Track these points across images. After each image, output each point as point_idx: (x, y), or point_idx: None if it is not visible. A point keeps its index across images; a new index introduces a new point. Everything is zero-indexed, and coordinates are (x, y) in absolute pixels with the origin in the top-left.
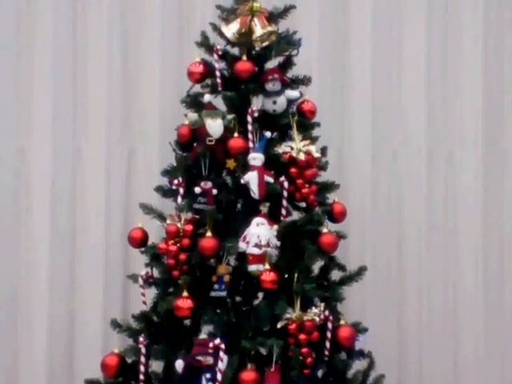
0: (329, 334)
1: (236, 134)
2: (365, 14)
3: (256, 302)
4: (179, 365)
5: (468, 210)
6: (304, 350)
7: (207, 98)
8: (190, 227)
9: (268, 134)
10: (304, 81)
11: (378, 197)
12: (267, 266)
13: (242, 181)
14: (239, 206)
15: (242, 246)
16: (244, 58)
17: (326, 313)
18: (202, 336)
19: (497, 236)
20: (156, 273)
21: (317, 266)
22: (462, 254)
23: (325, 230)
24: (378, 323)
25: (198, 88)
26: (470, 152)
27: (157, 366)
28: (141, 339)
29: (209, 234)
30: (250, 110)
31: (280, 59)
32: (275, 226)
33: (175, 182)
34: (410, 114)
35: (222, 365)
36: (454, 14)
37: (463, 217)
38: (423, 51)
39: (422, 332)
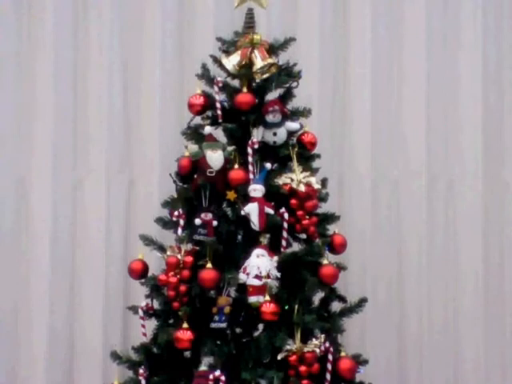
0: (329, 366)
1: (236, 166)
2: (365, 45)
3: (256, 333)
4: None
5: (468, 239)
6: (304, 381)
7: (208, 129)
8: (190, 258)
9: (268, 165)
10: (304, 112)
11: (379, 228)
12: (267, 298)
13: (243, 212)
14: (239, 237)
15: (242, 277)
16: (244, 89)
17: (327, 344)
18: (203, 368)
19: (497, 271)
20: (156, 304)
21: (317, 298)
22: (463, 285)
23: (325, 262)
24: (379, 355)
25: (198, 120)
26: (470, 180)
27: None
28: (141, 371)
29: (209, 265)
30: (250, 142)
31: (280, 91)
32: (275, 258)
33: (175, 213)
34: (411, 144)
35: None
36: (452, 51)
37: (464, 246)
38: (424, 81)
39: (422, 363)
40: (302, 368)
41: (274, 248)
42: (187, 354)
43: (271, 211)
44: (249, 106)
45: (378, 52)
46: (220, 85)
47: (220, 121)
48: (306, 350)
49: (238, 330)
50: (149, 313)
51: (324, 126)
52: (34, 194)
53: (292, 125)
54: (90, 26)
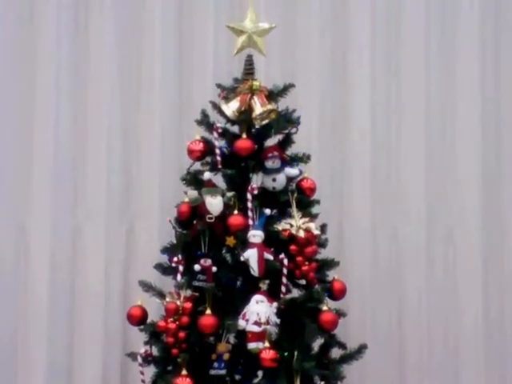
0: None
1: (236, 212)
2: (364, 92)
3: (256, 380)
4: None
5: (468, 286)
6: None
7: (207, 175)
8: (189, 305)
9: (268, 211)
10: (303, 158)
11: (378, 274)
12: (267, 344)
13: (242, 258)
14: (239, 283)
15: (241, 323)
16: (244, 135)
17: None
18: None
19: (498, 318)
20: (155, 351)
21: (317, 344)
22: (463, 332)
23: (325, 308)
24: None
25: (197, 165)
26: (469, 228)
27: None
28: None
29: (208, 311)
30: (249, 188)
31: (279, 137)
32: (275, 304)
33: (175, 259)
34: (410, 191)
35: None
36: (450, 95)
37: (464, 294)
38: (423, 126)
39: None
40: None
41: (273, 294)
42: None
43: (271, 257)
44: (248, 151)
45: (378, 99)
46: (219, 131)
47: (219, 167)
48: None
49: (237, 377)
50: (148, 359)
51: (323, 171)
52: (33, 240)
53: (291, 171)
54: (90, 74)
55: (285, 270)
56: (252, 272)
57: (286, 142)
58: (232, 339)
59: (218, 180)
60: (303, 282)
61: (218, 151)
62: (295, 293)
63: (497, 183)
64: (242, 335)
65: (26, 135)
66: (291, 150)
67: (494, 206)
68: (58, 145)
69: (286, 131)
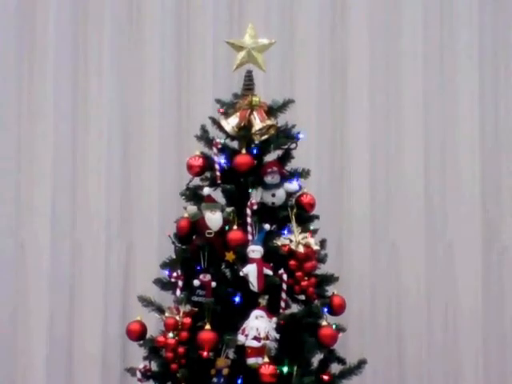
0: None
1: (235, 227)
2: (363, 106)
3: None
4: None
5: (467, 298)
6: None
7: (206, 190)
8: (188, 320)
9: (267, 226)
10: (302, 174)
11: (378, 289)
12: (266, 359)
13: (241, 273)
14: (238, 298)
15: (240, 338)
16: (243, 151)
17: None
18: None
19: (498, 332)
20: (154, 366)
21: (316, 359)
22: (463, 350)
23: (324, 323)
24: None
25: (197, 181)
26: (468, 242)
27: None
28: None
29: (207, 326)
30: (249, 203)
31: (279, 152)
32: (274, 319)
33: (174, 274)
34: (409, 206)
35: None
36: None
37: (463, 304)
38: (421, 138)
39: None
40: None
41: (272, 309)
42: None
43: (270, 272)
44: (247, 167)
45: (376, 112)
46: (219, 146)
47: (219, 182)
48: None
49: None
50: (147, 375)
51: (322, 187)
52: (32, 257)
53: (291, 186)
54: (90, 87)
55: (284, 286)
56: (251, 287)
57: (286, 157)
58: (231, 354)
59: (218, 195)
60: (302, 297)
61: (217, 167)
62: (294, 308)
63: (497, 195)
64: (242, 350)
65: (26, 148)
66: (290, 166)
67: (493, 220)
68: (58, 160)
69: (286, 147)
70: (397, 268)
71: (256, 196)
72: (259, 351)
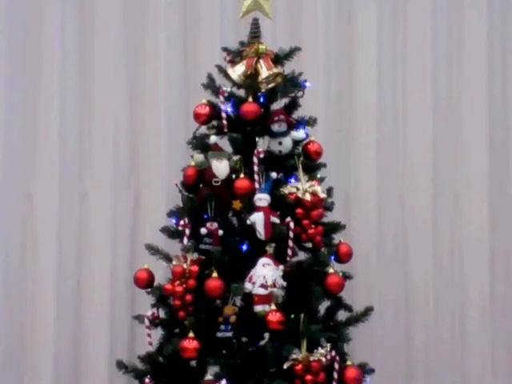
0: (335, 375)
1: (242, 175)
2: (370, 52)
3: (262, 342)
4: None
5: (475, 252)
6: None
7: (213, 139)
8: (195, 268)
9: (274, 174)
10: (309, 122)
11: (384, 237)
12: (273, 307)
13: (248, 221)
14: (245, 246)
15: (248, 286)
16: (250, 99)
17: (333, 353)
18: (208, 377)
19: (504, 288)
20: (162, 314)
21: (323, 307)
22: (469, 294)
23: (331, 271)
24: (385, 364)
25: (204, 129)
26: (476, 194)
27: None
28: (147, 380)
29: (215, 274)
30: (255, 152)
31: (286, 100)
32: (281, 267)
33: (181, 222)
34: (417, 157)
35: None
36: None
37: (470, 258)
38: (429, 93)
39: (429, 372)
40: (308, 377)
41: (279, 257)
42: (193, 363)
43: (277, 220)
44: (254, 115)
45: (384, 59)
46: (225, 95)
47: (225, 130)
48: (311, 359)
49: (244, 340)
50: (155, 322)
51: (330, 135)
52: (40, 208)
53: (297, 134)
54: (95, 38)
55: (291, 234)
56: (258, 235)
57: (292, 105)
58: (238, 302)
59: (224, 144)
60: (309, 245)
61: (224, 115)
62: (301, 256)
63: (505, 149)
64: (249, 298)
65: (32, 105)
66: (297, 114)
67: (501, 171)
68: (64, 112)
69: (292, 95)
70: (403, 217)
71: (263, 144)
72: (266, 299)
